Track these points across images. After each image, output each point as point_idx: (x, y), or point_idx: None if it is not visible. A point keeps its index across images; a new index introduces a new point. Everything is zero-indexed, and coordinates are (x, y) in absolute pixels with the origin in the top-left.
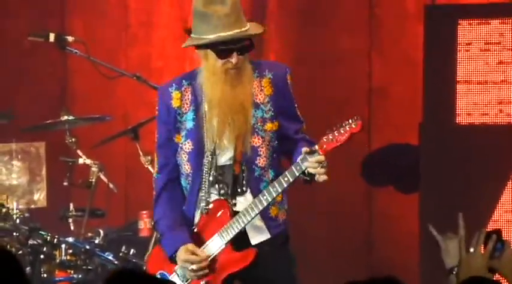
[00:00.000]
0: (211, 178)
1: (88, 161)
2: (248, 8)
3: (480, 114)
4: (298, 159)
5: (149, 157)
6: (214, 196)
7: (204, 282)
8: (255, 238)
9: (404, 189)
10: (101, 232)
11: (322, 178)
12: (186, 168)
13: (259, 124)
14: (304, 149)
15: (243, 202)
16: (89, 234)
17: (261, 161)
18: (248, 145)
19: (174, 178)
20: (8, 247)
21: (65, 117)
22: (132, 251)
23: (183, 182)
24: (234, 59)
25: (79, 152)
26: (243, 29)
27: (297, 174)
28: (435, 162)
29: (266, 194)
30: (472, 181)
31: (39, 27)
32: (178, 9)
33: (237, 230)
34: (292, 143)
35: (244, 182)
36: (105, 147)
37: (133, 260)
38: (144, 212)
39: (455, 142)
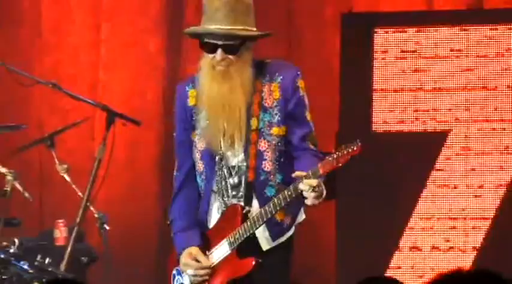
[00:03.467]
0: (230, 180)
1: (3, 170)
2: (164, 17)
3: (396, 121)
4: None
5: (65, 166)
6: (228, 198)
7: None
8: (265, 245)
9: None
10: (16, 241)
11: (310, 201)
12: (199, 165)
13: (266, 128)
14: (298, 173)
15: (252, 207)
16: (4, 243)
17: (266, 165)
18: (252, 147)
19: (192, 176)
20: None
21: None
22: (47, 260)
23: (198, 179)
24: (218, 56)
25: None
26: (228, 27)
27: (293, 195)
28: (352, 169)
29: (271, 206)
30: (388, 189)
31: None
32: (91, 17)
33: (243, 238)
34: (295, 150)
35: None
36: (19, 155)
37: (49, 269)
38: (60, 221)
39: (372, 150)
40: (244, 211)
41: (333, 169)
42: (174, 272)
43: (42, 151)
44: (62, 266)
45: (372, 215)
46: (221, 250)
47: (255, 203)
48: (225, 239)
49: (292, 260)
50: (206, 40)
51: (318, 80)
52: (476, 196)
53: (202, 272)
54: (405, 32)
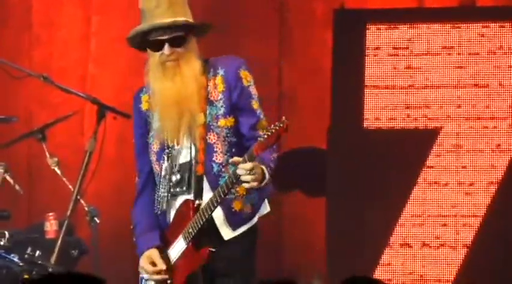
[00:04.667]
0: (172, 177)
1: None
2: None
3: (388, 118)
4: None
5: (55, 159)
6: (179, 196)
7: (169, 282)
8: (226, 234)
9: (312, 192)
10: (6, 233)
11: (248, 185)
12: (156, 167)
13: (213, 121)
14: (234, 159)
15: (205, 199)
16: None
17: (218, 157)
18: (201, 141)
19: (151, 180)
20: None
21: None
22: (37, 253)
23: (157, 181)
24: (166, 50)
25: None
26: (170, 20)
27: (234, 181)
28: (343, 166)
29: (216, 195)
30: (379, 186)
31: None
32: (81, 10)
33: (195, 230)
34: (246, 140)
35: (204, 179)
36: (7, 148)
37: (39, 262)
38: (51, 214)
39: (363, 147)
40: (195, 205)
41: (266, 148)
42: (141, 275)
43: (30, 145)
44: (52, 259)
45: (362, 213)
46: (178, 246)
47: (208, 196)
48: (181, 235)
49: (255, 251)
50: (151, 38)
51: (309, 77)
52: (467, 193)
53: (156, 277)
54: (397, 28)
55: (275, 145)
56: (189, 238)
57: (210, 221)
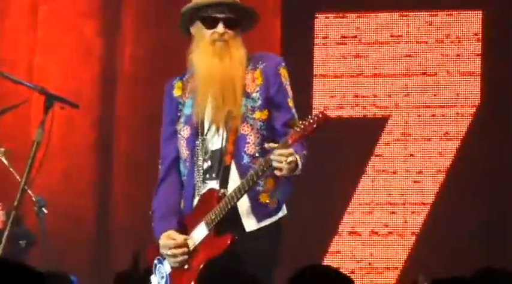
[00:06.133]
0: (204, 164)
1: None
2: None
3: (336, 107)
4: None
5: (2, 149)
6: (208, 182)
7: (187, 266)
8: (248, 225)
9: None
10: None
11: (281, 172)
12: (183, 153)
13: (248, 112)
14: (270, 144)
15: (227, 190)
16: None
17: (249, 148)
18: (233, 132)
19: (175, 168)
20: None
21: None
22: None
23: (182, 167)
24: (220, 29)
25: None
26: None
27: (265, 167)
28: None
29: (245, 182)
30: (328, 174)
31: None
32: None
33: (219, 217)
34: (278, 135)
35: (233, 170)
36: None
37: None
38: None
39: (311, 135)
40: (219, 194)
41: (301, 137)
42: (156, 261)
43: None
44: None
45: (310, 201)
46: (199, 232)
47: (232, 186)
48: (203, 221)
49: (278, 248)
50: (207, 14)
51: None
52: (415, 181)
53: (178, 251)
54: (345, 17)
55: (306, 141)
56: (212, 225)
57: (234, 211)
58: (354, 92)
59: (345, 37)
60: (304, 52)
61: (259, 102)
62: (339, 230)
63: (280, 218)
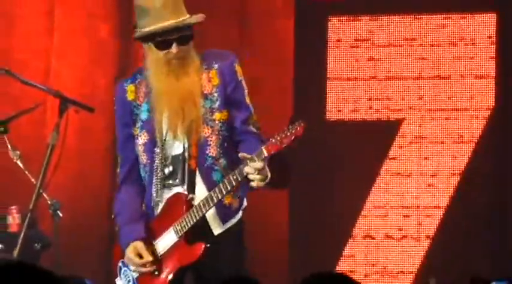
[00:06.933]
0: (165, 169)
1: None
2: (115, 2)
3: (350, 110)
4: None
5: (18, 152)
6: (173, 188)
7: (156, 272)
8: (216, 229)
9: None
10: None
11: (255, 184)
12: (142, 158)
13: (208, 114)
14: (244, 155)
15: (197, 193)
16: None
17: (211, 151)
18: (201, 134)
19: (135, 171)
20: None
21: None
22: (0, 246)
23: (142, 173)
24: (174, 49)
25: None
26: (180, 19)
27: (239, 179)
28: (305, 157)
29: (217, 191)
30: (342, 177)
31: None
32: (44, 2)
33: (189, 225)
34: (238, 134)
35: (197, 173)
36: None
37: (2, 256)
38: (13, 207)
39: (325, 138)
40: (188, 199)
41: (277, 150)
42: (120, 264)
43: None
44: (15, 253)
45: (325, 204)
46: (167, 239)
47: (200, 190)
48: (171, 228)
49: (245, 247)
50: (160, 38)
51: (270, 68)
52: (429, 184)
53: (144, 269)
54: (359, 20)
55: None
56: (182, 232)
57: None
58: (367, 95)
59: (358, 40)
60: (318, 55)
61: (218, 102)
62: (353, 233)
63: (241, 216)
